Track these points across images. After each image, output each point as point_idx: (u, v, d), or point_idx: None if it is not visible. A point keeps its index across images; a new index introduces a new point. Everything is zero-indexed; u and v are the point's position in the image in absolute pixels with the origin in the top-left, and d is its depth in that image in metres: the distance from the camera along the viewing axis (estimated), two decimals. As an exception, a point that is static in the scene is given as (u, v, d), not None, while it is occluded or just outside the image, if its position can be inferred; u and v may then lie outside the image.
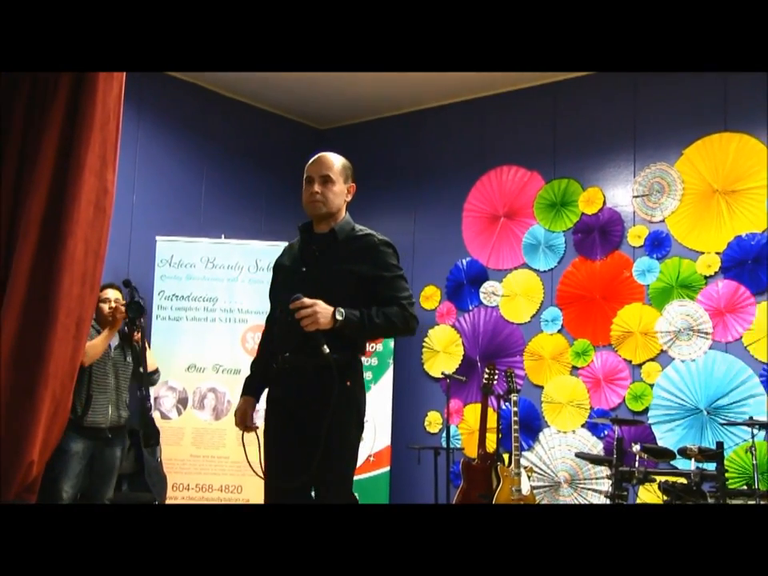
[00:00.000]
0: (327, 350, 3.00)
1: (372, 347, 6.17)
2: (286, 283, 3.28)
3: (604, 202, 5.84)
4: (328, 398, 3.02)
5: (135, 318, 4.65)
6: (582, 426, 5.72)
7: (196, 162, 6.46)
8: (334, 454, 3.09)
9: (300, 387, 3.15)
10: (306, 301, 3.02)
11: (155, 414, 5.51)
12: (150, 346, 5.15)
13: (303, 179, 3.34)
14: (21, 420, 3.71)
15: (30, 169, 3.90)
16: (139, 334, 4.65)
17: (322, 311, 3.02)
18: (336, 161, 3.33)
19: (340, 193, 3.31)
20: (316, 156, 3.36)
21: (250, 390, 3.43)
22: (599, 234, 5.80)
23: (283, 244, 3.38)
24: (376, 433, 6.09)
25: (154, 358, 4.97)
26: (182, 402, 5.69)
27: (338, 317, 3.04)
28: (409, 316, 3.18)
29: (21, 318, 3.76)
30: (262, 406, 3.34)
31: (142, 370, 4.60)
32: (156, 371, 4.97)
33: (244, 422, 3.36)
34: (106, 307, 4.63)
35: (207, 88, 6.53)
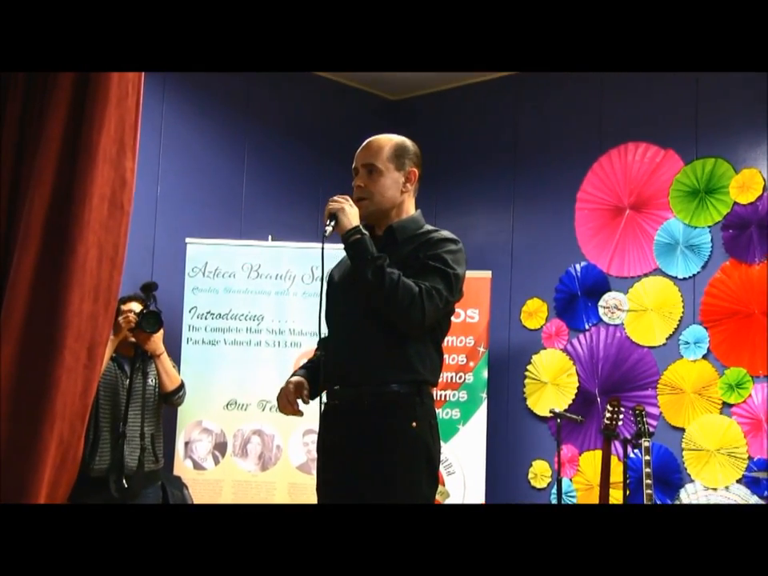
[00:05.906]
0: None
1: (461, 378, 6.12)
2: (335, 301, 3.35)
3: (764, 188, 5.74)
4: (391, 444, 3.08)
5: (150, 332, 4.71)
6: (738, 481, 5.63)
7: (236, 144, 6.52)
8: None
9: (353, 430, 3.17)
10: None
11: (186, 463, 5.55)
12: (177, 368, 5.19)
13: None
14: (20, 471, 3.75)
15: (31, 157, 3.95)
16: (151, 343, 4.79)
17: (351, 210, 3.20)
18: (385, 144, 3.37)
19: (392, 184, 3.35)
20: (366, 141, 3.42)
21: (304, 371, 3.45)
22: (758, 230, 5.70)
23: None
24: (466, 487, 6.06)
25: (174, 370, 5.01)
26: (220, 447, 5.71)
27: (360, 230, 3.17)
28: (419, 302, 3.11)
29: (20, 344, 3.80)
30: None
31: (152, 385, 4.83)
32: (180, 387, 5.00)
33: (300, 391, 3.31)
34: (121, 320, 4.69)
35: (249, 51, 6.57)
